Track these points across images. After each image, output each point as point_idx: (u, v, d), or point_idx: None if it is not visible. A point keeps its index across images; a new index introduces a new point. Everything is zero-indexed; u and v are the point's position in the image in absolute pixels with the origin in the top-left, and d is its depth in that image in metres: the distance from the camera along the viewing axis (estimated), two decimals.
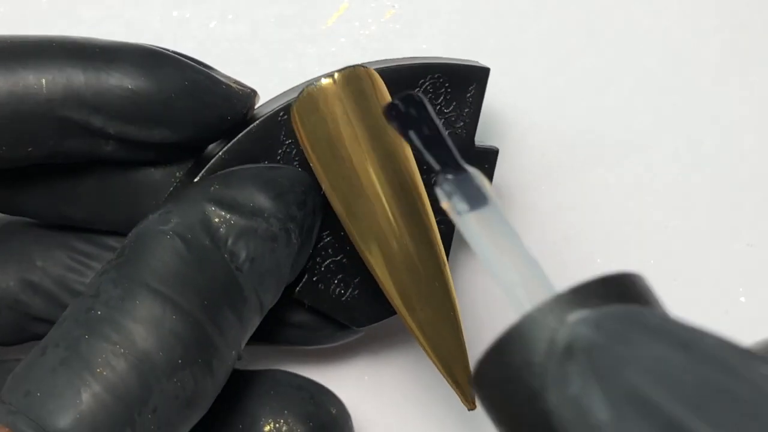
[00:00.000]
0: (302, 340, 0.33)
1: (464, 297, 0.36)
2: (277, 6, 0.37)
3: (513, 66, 0.37)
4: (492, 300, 0.37)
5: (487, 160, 0.33)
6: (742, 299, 0.37)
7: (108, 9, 0.37)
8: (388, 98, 0.30)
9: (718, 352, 0.18)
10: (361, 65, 0.30)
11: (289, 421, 0.31)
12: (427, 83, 0.31)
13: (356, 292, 0.32)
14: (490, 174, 0.33)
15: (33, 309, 0.32)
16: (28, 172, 0.30)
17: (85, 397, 0.25)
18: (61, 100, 0.28)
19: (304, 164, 0.30)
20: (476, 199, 0.23)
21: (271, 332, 0.32)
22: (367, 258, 0.30)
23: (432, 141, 0.25)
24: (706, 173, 0.37)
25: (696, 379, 0.17)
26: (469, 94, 0.32)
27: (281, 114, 0.30)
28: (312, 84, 0.29)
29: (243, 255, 0.28)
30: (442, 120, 0.32)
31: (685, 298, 0.37)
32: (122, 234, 0.32)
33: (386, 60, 0.32)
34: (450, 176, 0.24)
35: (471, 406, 0.31)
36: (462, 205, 0.23)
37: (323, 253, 0.31)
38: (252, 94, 0.30)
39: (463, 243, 0.37)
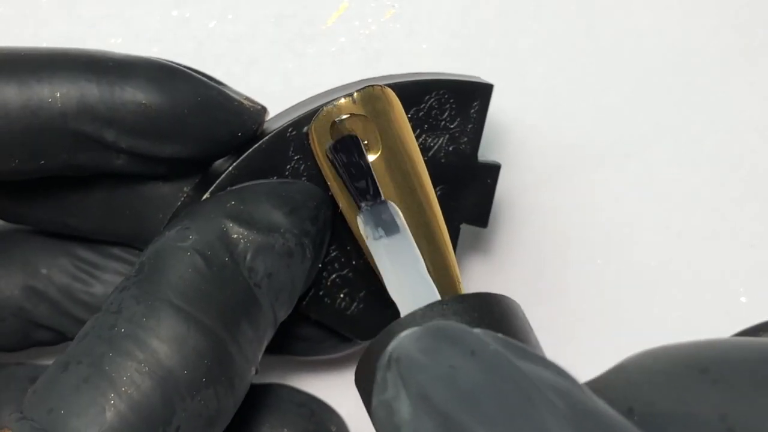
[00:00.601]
0: (306, 352, 0.34)
1: None
2: (277, 6, 0.37)
3: (513, 66, 0.37)
4: None
5: (489, 175, 0.33)
6: (743, 299, 0.37)
7: (108, 9, 0.37)
8: (403, 116, 0.30)
9: (496, 358, 0.21)
10: (378, 85, 0.30)
11: None
12: (432, 99, 0.31)
13: (361, 306, 0.32)
14: (492, 188, 0.33)
15: (37, 316, 0.32)
16: (35, 183, 0.30)
17: (110, 415, 0.25)
18: (74, 113, 0.28)
19: (313, 180, 0.30)
20: (389, 228, 0.28)
21: (277, 344, 0.32)
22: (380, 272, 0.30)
23: (358, 175, 0.29)
24: (706, 173, 0.37)
25: (475, 382, 0.20)
26: (473, 110, 0.32)
27: (290, 130, 0.30)
28: (330, 103, 0.29)
29: (261, 271, 0.28)
30: (447, 135, 0.32)
31: (686, 299, 0.37)
32: (127, 245, 0.32)
33: (392, 75, 0.32)
34: (368, 206, 0.29)
35: None
36: (375, 232, 0.28)
37: (329, 267, 0.32)
38: (262, 110, 0.30)
39: (470, 251, 0.37)
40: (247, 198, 0.29)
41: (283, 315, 0.29)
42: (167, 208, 0.31)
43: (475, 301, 0.26)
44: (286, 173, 0.30)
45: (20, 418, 0.25)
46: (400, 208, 0.30)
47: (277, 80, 0.37)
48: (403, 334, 0.22)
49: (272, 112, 0.32)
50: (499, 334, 0.22)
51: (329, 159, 0.29)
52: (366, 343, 0.34)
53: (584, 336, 0.37)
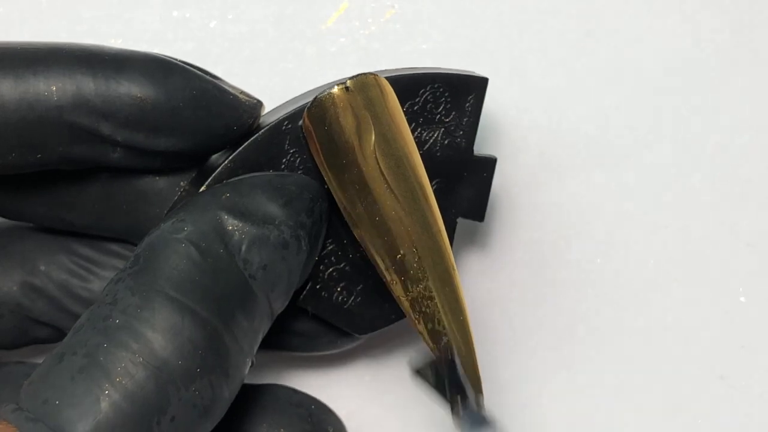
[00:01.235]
0: (304, 347, 0.33)
1: (472, 301, 0.36)
2: (277, 6, 0.37)
3: (513, 65, 0.37)
4: (498, 302, 0.37)
5: (485, 168, 0.33)
6: (742, 299, 0.37)
7: (108, 9, 0.37)
8: (397, 105, 0.30)
9: None
10: (371, 73, 0.30)
11: None
12: (427, 93, 0.32)
13: (358, 300, 0.32)
14: (488, 182, 0.33)
15: (35, 313, 0.32)
16: (32, 178, 0.30)
17: (104, 405, 0.25)
18: (70, 106, 0.28)
19: (308, 173, 0.30)
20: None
21: (274, 339, 0.32)
22: (377, 263, 0.30)
23: (454, 386, 0.31)
24: (706, 173, 0.37)
25: None
26: (468, 104, 0.32)
27: (286, 123, 0.30)
28: (324, 92, 0.29)
29: (256, 262, 0.28)
30: (442, 129, 0.32)
31: (685, 298, 0.37)
32: (125, 240, 0.32)
33: (387, 70, 0.32)
34: (467, 413, 0.30)
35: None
36: None
37: (326, 261, 0.32)
38: (258, 104, 0.30)
39: (468, 247, 0.37)
40: (243, 190, 0.29)
41: (279, 307, 0.29)
42: (164, 203, 0.31)
43: None
44: (283, 166, 0.31)
45: (15, 409, 0.25)
46: (394, 197, 0.30)
47: (277, 80, 0.37)
48: None
49: None
50: None
51: (419, 376, 0.31)
52: (364, 338, 0.34)
53: (582, 334, 0.37)
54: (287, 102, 0.32)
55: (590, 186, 0.37)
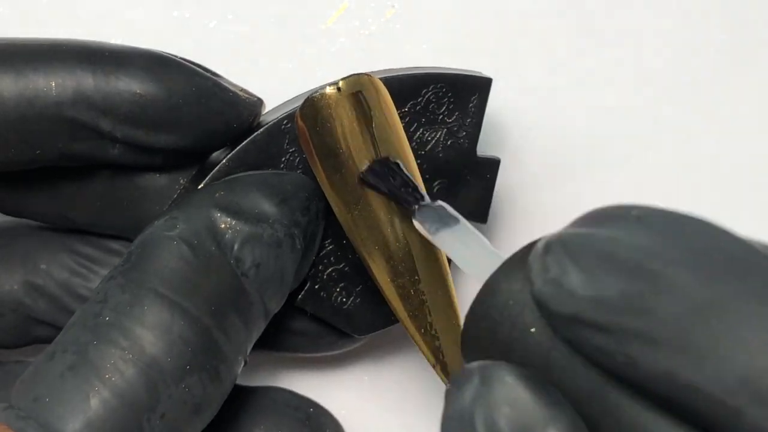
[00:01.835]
0: (303, 348, 0.33)
1: (466, 304, 0.36)
2: (277, 6, 0.37)
3: (513, 65, 0.37)
4: None
5: (488, 169, 0.33)
6: None
7: (108, 9, 0.37)
8: (391, 106, 0.30)
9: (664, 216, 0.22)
10: (365, 74, 0.30)
11: None
12: (430, 93, 0.31)
13: (358, 301, 0.32)
14: (491, 183, 0.33)
15: (36, 312, 0.32)
16: (33, 175, 0.30)
17: (94, 402, 0.25)
18: (70, 102, 0.28)
19: (307, 172, 0.30)
20: (450, 221, 0.27)
21: (273, 339, 0.32)
22: (369, 265, 0.30)
23: (403, 188, 0.29)
24: (706, 173, 0.37)
25: (656, 232, 0.21)
26: (471, 105, 0.32)
27: (285, 122, 0.30)
28: (316, 92, 0.29)
29: (249, 261, 0.28)
30: (444, 129, 0.32)
31: None
32: (126, 238, 0.32)
33: (390, 69, 0.32)
34: (422, 207, 0.28)
35: None
36: (439, 226, 0.27)
37: (325, 261, 0.32)
38: (258, 102, 0.30)
39: None
40: (237, 188, 0.29)
41: (274, 306, 0.29)
42: (164, 201, 0.31)
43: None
44: (282, 165, 0.30)
45: (6, 407, 0.25)
46: (384, 201, 0.30)
47: (277, 80, 0.37)
48: (544, 240, 0.22)
49: None
50: None
51: (368, 185, 0.30)
52: (364, 339, 0.33)
53: None
54: (287, 101, 0.32)
55: (591, 184, 0.37)
